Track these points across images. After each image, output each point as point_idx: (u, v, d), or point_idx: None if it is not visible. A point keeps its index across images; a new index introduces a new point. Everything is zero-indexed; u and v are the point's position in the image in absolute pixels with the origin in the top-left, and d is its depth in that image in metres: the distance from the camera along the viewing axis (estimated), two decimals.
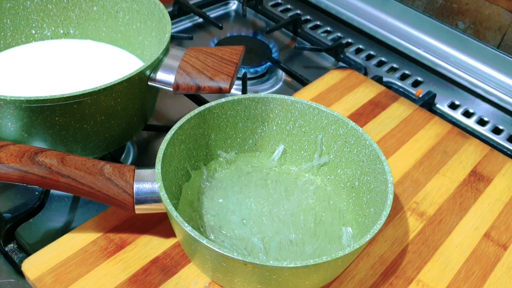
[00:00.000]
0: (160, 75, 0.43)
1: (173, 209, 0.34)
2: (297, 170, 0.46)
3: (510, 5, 0.64)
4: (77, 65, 0.53)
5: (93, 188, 0.36)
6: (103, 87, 0.39)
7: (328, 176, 0.45)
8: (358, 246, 0.33)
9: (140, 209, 0.37)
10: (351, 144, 0.43)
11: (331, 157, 0.45)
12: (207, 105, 0.42)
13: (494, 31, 0.67)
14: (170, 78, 0.42)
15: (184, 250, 0.38)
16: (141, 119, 0.47)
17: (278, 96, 0.44)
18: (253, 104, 0.44)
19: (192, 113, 0.41)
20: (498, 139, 0.61)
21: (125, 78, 0.40)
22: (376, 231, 0.33)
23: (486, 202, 0.47)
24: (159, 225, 0.41)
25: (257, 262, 0.31)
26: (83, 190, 0.36)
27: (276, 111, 0.45)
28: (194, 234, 0.32)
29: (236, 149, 0.46)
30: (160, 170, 0.36)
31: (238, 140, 0.46)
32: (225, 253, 0.31)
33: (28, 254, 0.40)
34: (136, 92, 0.43)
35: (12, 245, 0.42)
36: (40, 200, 0.45)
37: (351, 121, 0.42)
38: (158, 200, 0.36)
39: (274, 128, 0.46)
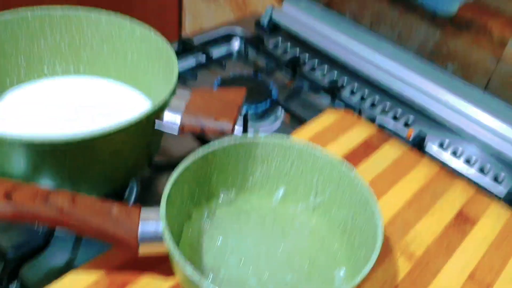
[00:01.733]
0: (167, 116, 0.45)
1: (176, 250, 0.36)
2: (294, 210, 0.48)
3: (494, 50, 0.68)
4: (86, 101, 0.55)
5: (100, 229, 0.38)
6: (114, 129, 0.41)
7: (323, 217, 0.47)
8: None
9: (143, 248, 0.39)
10: (344, 186, 0.45)
11: (326, 198, 0.47)
12: (211, 148, 0.45)
13: (480, 74, 0.71)
14: (176, 118, 0.45)
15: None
16: (146, 158, 0.49)
17: (277, 139, 0.47)
18: (254, 146, 0.47)
19: (197, 155, 0.43)
20: (485, 179, 0.63)
21: (135, 120, 0.42)
22: (365, 274, 0.35)
23: (471, 243, 0.49)
24: (160, 265, 0.42)
25: None
26: (92, 230, 0.38)
27: (275, 153, 0.48)
28: (195, 277, 0.34)
29: (236, 189, 0.48)
30: (164, 210, 0.38)
31: (239, 180, 0.48)
32: None
33: None
34: (143, 132, 0.45)
35: (15, 283, 0.43)
36: (44, 239, 0.46)
37: (344, 164, 0.45)
38: (160, 240, 0.38)
39: (273, 168, 0.48)
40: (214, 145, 0.45)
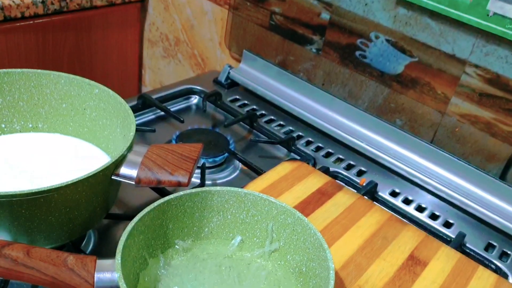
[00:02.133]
0: (124, 170, 0.47)
1: None
2: (250, 256, 0.49)
3: (438, 106, 0.73)
4: (44, 157, 0.56)
5: (56, 278, 0.38)
6: (69, 182, 0.42)
7: (279, 262, 0.49)
8: None
9: None
10: (298, 232, 0.47)
11: (281, 243, 0.49)
12: (166, 198, 0.46)
13: (427, 127, 0.75)
14: (132, 172, 0.46)
15: None
16: (103, 209, 0.50)
17: (232, 188, 0.49)
18: (209, 196, 0.49)
19: (151, 206, 0.45)
20: (435, 224, 0.66)
21: (91, 174, 0.44)
22: None
23: (422, 284, 0.51)
24: None
25: None
26: (46, 280, 0.38)
27: (231, 202, 0.49)
28: None
29: (193, 237, 0.49)
30: (120, 261, 0.39)
31: (195, 228, 0.49)
32: None
33: None
34: (100, 186, 0.46)
35: None
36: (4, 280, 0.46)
37: (298, 212, 0.47)
38: None
39: (229, 217, 0.50)
40: (169, 196, 0.46)
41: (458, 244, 0.62)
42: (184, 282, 0.45)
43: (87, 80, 0.56)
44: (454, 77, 0.70)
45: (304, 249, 0.46)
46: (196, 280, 0.45)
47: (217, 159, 0.70)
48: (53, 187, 0.41)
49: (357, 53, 0.78)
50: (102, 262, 0.40)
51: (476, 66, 0.67)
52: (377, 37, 0.76)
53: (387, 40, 0.74)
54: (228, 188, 0.49)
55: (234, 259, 0.49)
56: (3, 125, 0.57)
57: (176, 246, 0.48)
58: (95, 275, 0.39)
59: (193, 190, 0.48)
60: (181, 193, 0.47)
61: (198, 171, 0.66)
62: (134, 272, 0.43)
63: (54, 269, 0.38)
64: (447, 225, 0.67)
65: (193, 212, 0.48)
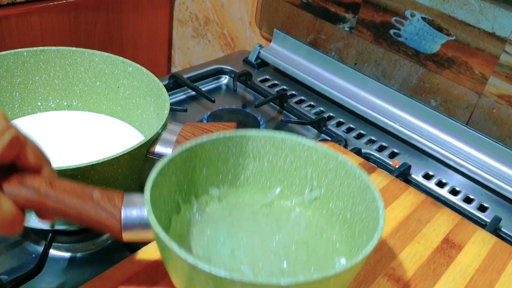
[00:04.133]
0: (159, 148, 0.47)
1: (161, 230, 0.34)
2: (289, 205, 0.47)
3: (475, 86, 0.71)
4: (79, 135, 0.57)
5: (81, 212, 0.36)
6: (106, 159, 0.43)
7: (320, 210, 0.46)
8: (350, 266, 0.34)
9: (128, 234, 0.37)
10: (341, 177, 0.44)
11: (323, 191, 0.46)
12: (198, 141, 0.43)
13: (463, 109, 0.73)
14: (167, 151, 0.47)
15: (171, 278, 0.39)
16: (138, 187, 0.50)
17: (268, 133, 0.46)
18: (244, 141, 0.46)
19: (183, 147, 0.42)
20: (470, 208, 0.65)
21: (126, 152, 0.44)
22: (368, 252, 0.35)
23: (457, 268, 0.50)
24: (153, 287, 0.43)
25: (247, 280, 0.32)
26: (71, 214, 0.36)
27: (267, 148, 0.46)
28: (181, 254, 0.32)
29: (228, 185, 0.47)
30: (149, 196, 0.36)
31: (230, 175, 0.47)
32: (213, 272, 0.31)
33: None
34: (135, 164, 0.47)
35: None
36: (38, 262, 0.47)
37: (341, 155, 0.44)
38: (146, 226, 0.37)
39: (266, 164, 0.47)
40: (202, 139, 0.44)
41: (494, 228, 0.60)
42: (219, 228, 0.42)
43: (121, 58, 0.56)
44: (492, 56, 0.68)
45: (348, 194, 0.44)
46: (232, 227, 0.43)
47: None
48: (90, 163, 0.42)
49: (392, 31, 0.76)
50: (130, 197, 0.38)
51: None
52: (412, 15, 0.73)
53: (423, 18, 0.72)
54: (264, 132, 0.46)
55: (271, 207, 0.46)
56: (39, 103, 0.58)
57: (211, 193, 0.46)
58: (122, 210, 0.37)
59: (227, 134, 0.45)
60: (214, 136, 0.44)
61: None
62: (165, 215, 0.41)
63: (79, 202, 0.36)
64: (482, 208, 0.66)
65: (228, 158, 0.46)
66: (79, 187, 0.37)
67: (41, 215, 0.38)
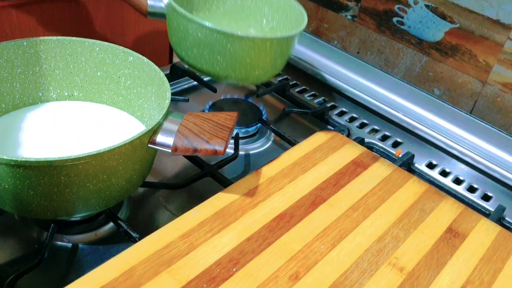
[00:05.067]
0: (160, 138, 0.46)
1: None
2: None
3: (479, 74, 0.70)
4: (80, 125, 0.56)
5: None
6: (107, 149, 0.42)
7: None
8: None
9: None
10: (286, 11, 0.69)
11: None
12: None
13: (466, 97, 0.73)
14: (169, 141, 0.46)
15: (172, 39, 0.59)
16: (140, 177, 0.50)
17: None
18: None
19: None
20: (473, 197, 0.65)
21: (128, 141, 0.44)
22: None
23: (461, 257, 0.50)
24: (154, 277, 0.43)
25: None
26: None
27: None
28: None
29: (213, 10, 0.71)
30: None
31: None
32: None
33: None
34: (136, 153, 0.46)
35: None
36: (40, 253, 0.47)
37: None
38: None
39: (239, 2, 0.72)
40: None
41: (498, 218, 0.60)
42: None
43: (121, 48, 0.56)
44: (497, 44, 0.67)
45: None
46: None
47: (250, 129, 0.69)
48: (91, 153, 0.41)
49: (395, 19, 0.76)
50: None
51: None
52: (416, 3, 0.73)
53: (427, 6, 0.71)
54: None
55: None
56: (40, 94, 0.58)
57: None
58: None
59: None
60: None
61: (231, 141, 0.66)
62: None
63: None
64: (486, 198, 0.65)
65: None
66: None
67: None
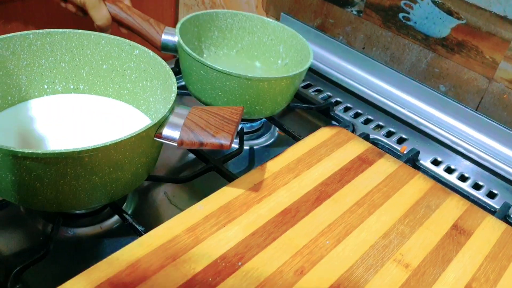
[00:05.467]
0: (166, 131, 0.46)
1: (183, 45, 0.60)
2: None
3: (486, 71, 0.70)
4: (85, 118, 0.56)
5: (141, 25, 0.65)
6: (113, 142, 0.42)
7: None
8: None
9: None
10: (298, 49, 0.72)
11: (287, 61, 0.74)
12: (212, 11, 0.71)
13: (472, 94, 0.72)
14: (175, 134, 0.46)
15: (182, 73, 0.66)
16: (145, 171, 0.50)
17: (261, 17, 0.73)
18: (244, 18, 0.74)
19: (206, 11, 0.70)
20: (478, 194, 0.65)
21: (134, 134, 0.43)
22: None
23: (467, 254, 0.50)
24: (160, 270, 0.43)
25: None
26: (134, 27, 0.66)
27: (258, 27, 0.74)
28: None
29: (228, 48, 0.76)
30: (179, 27, 0.65)
31: (232, 42, 0.75)
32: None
33: None
34: (142, 147, 0.46)
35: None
36: (46, 245, 0.47)
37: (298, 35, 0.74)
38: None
39: (256, 39, 0.75)
40: (215, 11, 0.71)
41: (503, 215, 0.60)
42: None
43: (127, 41, 0.56)
44: (504, 41, 0.67)
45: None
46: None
47: (254, 124, 0.69)
48: (98, 146, 0.41)
49: (401, 15, 0.75)
50: (168, 28, 0.65)
51: None
52: None
53: (433, 1, 0.71)
54: (256, 16, 0.73)
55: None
56: (45, 86, 0.58)
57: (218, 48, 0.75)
58: (164, 33, 0.65)
59: (233, 11, 0.72)
60: (225, 11, 0.71)
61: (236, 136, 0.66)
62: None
63: (141, 20, 0.65)
64: (491, 195, 0.65)
65: (232, 29, 0.73)
66: (142, 13, 0.66)
67: (116, 22, 0.66)
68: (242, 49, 0.75)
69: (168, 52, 0.66)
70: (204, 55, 0.73)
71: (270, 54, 0.74)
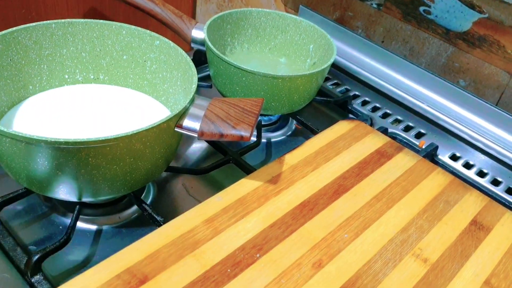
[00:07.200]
0: (187, 123, 0.46)
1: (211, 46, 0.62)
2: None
3: (507, 66, 0.69)
4: (105, 108, 0.57)
5: (175, 23, 0.68)
6: (135, 132, 0.43)
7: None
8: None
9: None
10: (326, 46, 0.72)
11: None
12: (245, 9, 0.74)
13: (493, 89, 0.71)
14: (195, 125, 0.46)
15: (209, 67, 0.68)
16: (165, 161, 0.50)
17: (291, 16, 0.75)
18: (274, 16, 0.75)
19: (233, 11, 0.72)
20: (497, 190, 0.64)
21: (155, 125, 0.44)
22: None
23: (486, 250, 0.49)
24: (179, 260, 0.43)
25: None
26: (172, 26, 0.69)
27: (291, 26, 0.75)
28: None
29: (251, 44, 0.77)
30: (207, 26, 0.66)
31: (257, 37, 0.76)
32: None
33: (52, 286, 0.43)
34: (163, 137, 0.46)
35: (38, 276, 0.44)
36: (65, 234, 0.47)
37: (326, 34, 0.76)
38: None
39: (288, 37, 0.76)
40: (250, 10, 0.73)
41: None
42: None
43: (148, 32, 0.56)
44: None
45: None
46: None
47: (272, 117, 0.69)
48: (119, 135, 0.42)
49: (421, 8, 0.74)
50: (199, 24, 0.67)
51: None
52: None
53: None
54: (283, 14, 0.74)
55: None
56: (66, 76, 0.58)
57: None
58: (194, 28, 0.67)
59: (266, 10, 0.74)
60: (259, 9, 0.74)
61: None
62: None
63: (175, 17, 0.68)
64: (510, 191, 0.64)
65: (265, 27, 0.75)
66: (175, 9, 0.69)
67: (151, 16, 0.70)
68: (275, 47, 0.76)
69: (197, 46, 0.69)
70: (237, 52, 0.74)
71: (301, 53, 0.74)
